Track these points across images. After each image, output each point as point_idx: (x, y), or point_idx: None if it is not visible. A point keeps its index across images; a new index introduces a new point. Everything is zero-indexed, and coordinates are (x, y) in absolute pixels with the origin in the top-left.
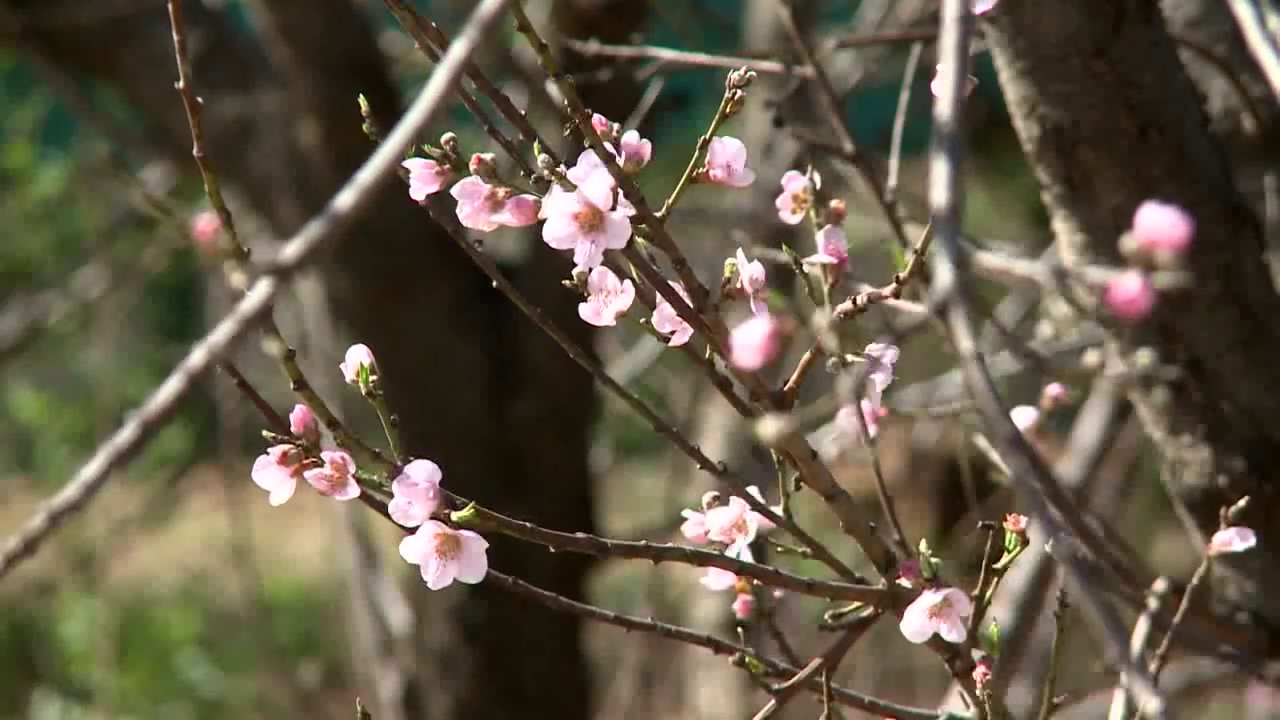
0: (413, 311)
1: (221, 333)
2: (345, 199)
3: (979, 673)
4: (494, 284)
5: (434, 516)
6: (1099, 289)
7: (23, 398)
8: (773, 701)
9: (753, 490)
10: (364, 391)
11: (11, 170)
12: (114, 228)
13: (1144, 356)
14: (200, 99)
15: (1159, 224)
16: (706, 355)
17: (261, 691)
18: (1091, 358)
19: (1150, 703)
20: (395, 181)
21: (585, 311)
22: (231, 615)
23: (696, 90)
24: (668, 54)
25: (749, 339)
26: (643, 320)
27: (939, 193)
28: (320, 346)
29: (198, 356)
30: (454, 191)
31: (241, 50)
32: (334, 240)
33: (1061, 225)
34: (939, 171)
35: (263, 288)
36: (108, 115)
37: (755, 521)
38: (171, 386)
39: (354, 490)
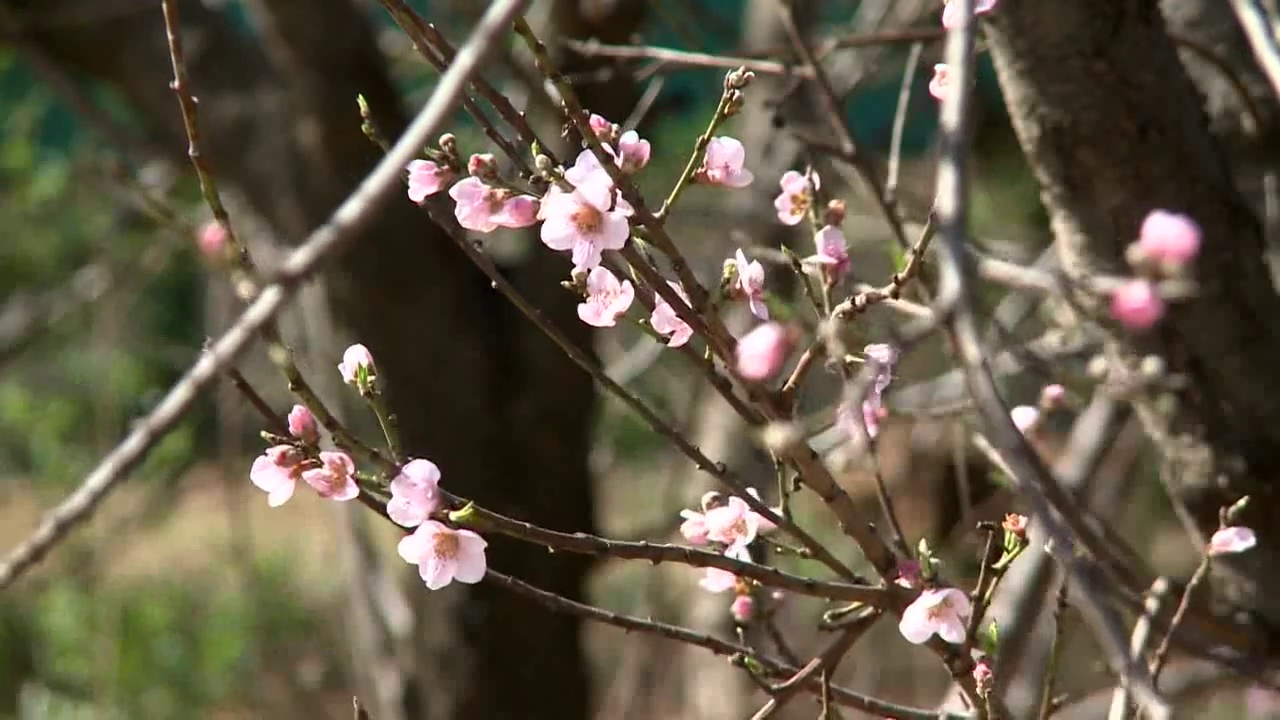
0: (413, 311)
1: (228, 342)
2: (352, 209)
3: (979, 673)
4: (494, 284)
5: (433, 516)
6: (1105, 296)
7: (7, 397)
8: (772, 702)
9: (752, 491)
10: (362, 391)
11: (11, 170)
12: (115, 228)
13: (1150, 365)
14: (200, 99)
15: (1167, 233)
16: (706, 356)
17: (259, 689)
18: (1097, 366)
19: (1158, 712)
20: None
21: (584, 312)
22: (228, 612)
23: (696, 90)
24: (668, 54)
25: (756, 348)
26: (641, 321)
27: (946, 201)
28: (320, 347)
29: (205, 366)
30: (453, 193)
31: (241, 50)
32: (340, 250)
33: (1061, 225)
34: (946, 179)
35: (269, 296)
36: (107, 115)
37: (754, 522)
38: (178, 396)
39: (353, 490)
